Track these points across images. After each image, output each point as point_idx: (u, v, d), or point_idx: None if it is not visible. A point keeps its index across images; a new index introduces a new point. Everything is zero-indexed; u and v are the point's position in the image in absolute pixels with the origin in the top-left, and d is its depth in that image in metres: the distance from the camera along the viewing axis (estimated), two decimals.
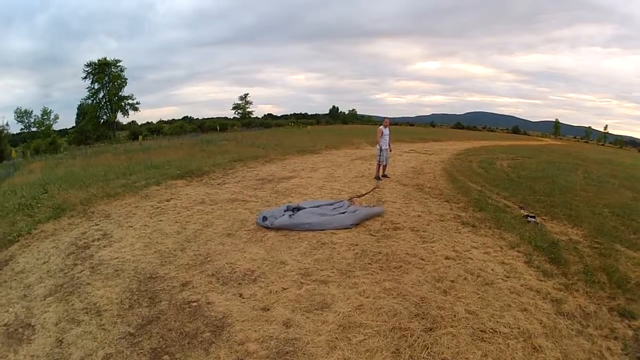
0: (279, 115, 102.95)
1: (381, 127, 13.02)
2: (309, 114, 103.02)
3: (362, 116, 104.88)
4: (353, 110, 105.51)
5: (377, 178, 12.86)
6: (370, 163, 15.40)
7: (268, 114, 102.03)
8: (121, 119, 62.17)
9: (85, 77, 57.12)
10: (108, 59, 57.67)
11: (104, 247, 6.65)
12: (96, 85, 57.64)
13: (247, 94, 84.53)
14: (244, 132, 48.02)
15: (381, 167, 13.18)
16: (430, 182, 12.64)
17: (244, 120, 76.76)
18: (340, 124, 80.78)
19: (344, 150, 22.74)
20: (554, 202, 10.06)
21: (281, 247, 6.47)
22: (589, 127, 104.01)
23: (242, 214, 8.47)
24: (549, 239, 7.01)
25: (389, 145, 13.19)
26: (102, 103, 58.41)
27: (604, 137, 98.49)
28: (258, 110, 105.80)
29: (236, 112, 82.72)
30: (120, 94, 59.04)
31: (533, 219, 8.17)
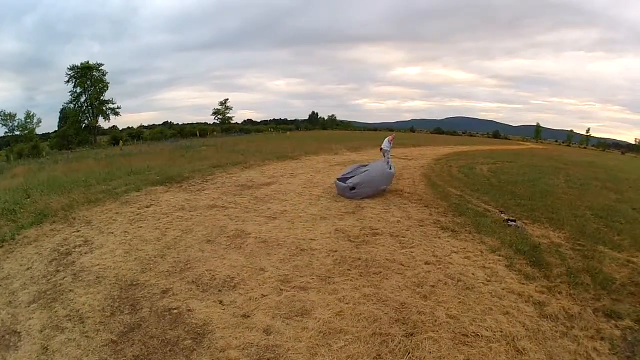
0: (258, 120, 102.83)
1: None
2: (289, 119, 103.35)
3: (342, 122, 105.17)
4: (333, 116, 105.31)
5: None
6: None
7: (248, 120, 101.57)
8: (102, 123, 61.73)
9: (68, 81, 56.58)
10: (91, 62, 57.34)
11: (86, 253, 6.59)
12: (78, 90, 57.16)
13: (227, 99, 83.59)
14: (223, 137, 48.13)
15: None
16: (410, 187, 12.70)
17: (224, 125, 76.14)
18: (319, 130, 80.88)
19: (323, 156, 22.73)
20: (535, 206, 10.16)
21: (260, 254, 6.45)
22: (571, 131, 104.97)
23: (221, 220, 8.44)
24: (531, 243, 7.08)
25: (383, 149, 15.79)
26: (84, 107, 57.90)
27: (587, 140, 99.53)
28: (238, 116, 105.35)
29: (216, 118, 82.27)
30: (101, 98, 58.63)
31: (514, 223, 8.25)
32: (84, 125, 57.76)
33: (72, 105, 57.36)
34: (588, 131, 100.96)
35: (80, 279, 5.62)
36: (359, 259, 6.23)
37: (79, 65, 56.38)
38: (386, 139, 15.77)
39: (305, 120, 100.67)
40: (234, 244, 6.98)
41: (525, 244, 6.99)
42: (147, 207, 9.63)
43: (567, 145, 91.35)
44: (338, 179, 11.80)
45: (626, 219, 9.50)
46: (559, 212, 9.58)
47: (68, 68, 56.12)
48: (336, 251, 6.59)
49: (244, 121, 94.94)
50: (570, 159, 33.83)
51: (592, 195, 12.87)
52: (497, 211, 9.51)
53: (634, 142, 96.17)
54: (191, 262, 6.09)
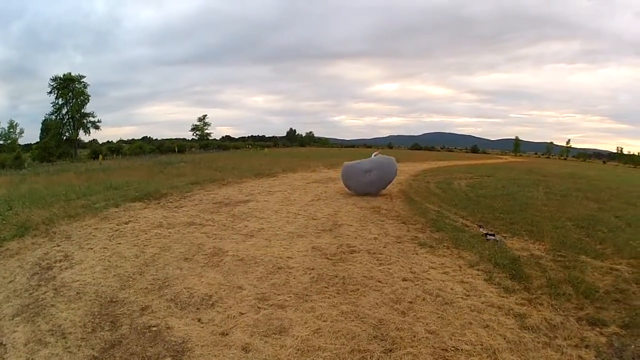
0: (236, 137, 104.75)
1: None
2: (267, 136, 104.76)
3: (320, 138, 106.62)
4: (310, 132, 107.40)
5: None
6: (327, 186, 15.55)
7: (226, 136, 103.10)
8: (83, 136, 61.54)
9: (51, 92, 56.39)
10: (73, 74, 57.14)
11: (66, 269, 6.56)
12: (60, 101, 56.91)
13: (206, 115, 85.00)
14: (201, 154, 48.55)
15: None
16: (387, 204, 12.75)
17: (202, 141, 76.73)
18: (297, 146, 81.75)
19: (301, 173, 22.91)
20: (514, 219, 10.27)
21: (237, 272, 6.42)
22: (551, 143, 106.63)
23: (198, 238, 8.41)
24: (510, 256, 7.11)
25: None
26: (66, 119, 57.61)
27: (567, 152, 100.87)
28: (216, 132, 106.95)
29: (194, 134, 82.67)
30: (82, 110, 58.40)
31: (492, 237, 8.31)
32: (64, 138, 57.50)
33: (53, 117, 57.18)
34: (568, 142, 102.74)
35: (61, 294, 5.59)
36: (336, 277, 6.22)
37: (62, 76, 56.26)
38: (373, 154, 16.42)
39: (282, 136, 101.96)
40: (212, 261, 6.96)
41: (504, 257, 7.02)
42: (126, 223, 9.60)
43: (547, 157, 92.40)
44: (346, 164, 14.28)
45: (608, 227, 9.64)
46: (539, 224, 9.67)
47: (51, 79, 56.37)
48: (313, 269, 6.58)
49: (222, 137, 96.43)
50: (550, 170, 34.28)
51: (573, 205, 13.05)
52: (476, 225, 9.58)
53: (615, 151, 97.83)
54: (169, 280, 6.06)
